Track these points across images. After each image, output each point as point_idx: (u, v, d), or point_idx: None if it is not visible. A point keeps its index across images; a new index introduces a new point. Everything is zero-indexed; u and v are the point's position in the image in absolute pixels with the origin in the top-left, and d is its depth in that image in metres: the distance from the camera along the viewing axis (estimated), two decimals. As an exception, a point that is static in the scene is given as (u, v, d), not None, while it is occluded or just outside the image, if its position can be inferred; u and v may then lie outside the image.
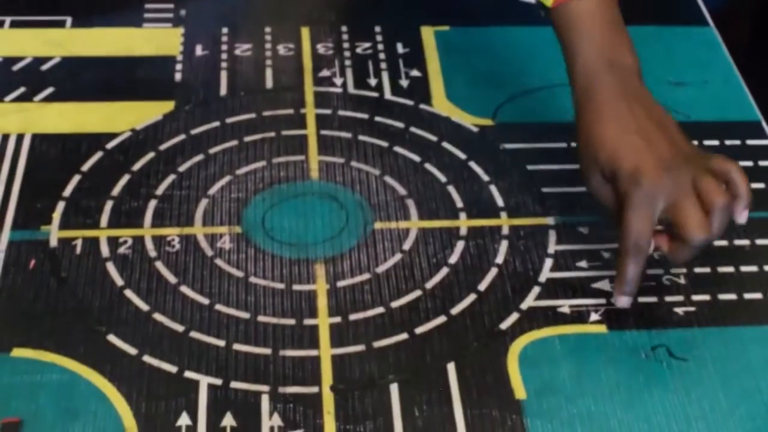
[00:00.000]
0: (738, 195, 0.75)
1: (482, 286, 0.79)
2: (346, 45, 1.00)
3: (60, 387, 0.71)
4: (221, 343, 0.74)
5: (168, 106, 0.92)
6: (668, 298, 0.79)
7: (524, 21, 1.03)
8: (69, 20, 1.00)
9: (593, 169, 0.77)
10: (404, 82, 0.96)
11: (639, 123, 0.76)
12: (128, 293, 0.77)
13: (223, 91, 0.94)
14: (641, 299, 0.78)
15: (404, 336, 0.75)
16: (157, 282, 0.78)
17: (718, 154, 0.78)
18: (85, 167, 0.86)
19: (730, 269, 0.81)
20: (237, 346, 0.74)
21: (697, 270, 0.81)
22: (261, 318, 0.76)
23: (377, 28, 1.01)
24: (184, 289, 0.77)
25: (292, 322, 0.76)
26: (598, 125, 0.77)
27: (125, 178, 0.85)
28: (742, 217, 0.75)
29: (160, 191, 0.85)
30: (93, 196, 0.84)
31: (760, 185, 0.88)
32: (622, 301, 0.76)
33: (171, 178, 0.86)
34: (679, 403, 0.72)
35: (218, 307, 0.76)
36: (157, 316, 0.76)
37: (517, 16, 1.04)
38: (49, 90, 0.93)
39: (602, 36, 0.80)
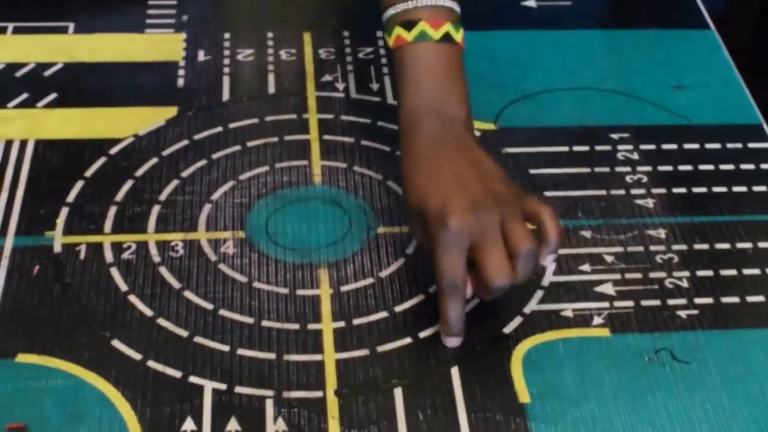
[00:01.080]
0: (545, 240, 0.74)
1: (485, 290, 0.79)
2: (348, 50, 1.00)
3: (65, 392, 0.71)
4: (225, 348, 0.74)
5: (171, 111, 0.92)
6: (671, 302, 0.79)
7: (526, 25, 1.04)
8: (71, 26, 1.01)
9: (409, 213, 0.76)
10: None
11: (453, 167, 0.75)
12: (132, 298, 0.77)
13: (226, 96, 0.94)
14: (644, 303, 0.78)
15: (408, 340, 0.75)
16: (161, 287, 0.78)
17: (532, 197, 0.77)
18: (89, 173, 0.86)
19: (733, 272, 0.81)
20: (241, 351, 0.74)
21: (700, 273, 0.81)
22: (265, 323, 0.76)
23: (379, 33, 1.02)
24: (188, 294, 0.78)
25: (296, 326, 0.76)
26: (412, 170, 0.76)
27: (129, 184, 0.86)
28: (546, 261, 0.74)
29: (163, 197, 0.85)
30: (97, 201, 0.84)
31: (762, 188, 0.88)
32: (451, 342, 0.75)
33: (174, 183, 0.86)
34: (682, 407, 0.72)
35: (222, 312, 0.77)
36: (162, 322, 0.76)
37: (518, 20, 1.04)
38: (52, 96, 0.93)
39: (431, 83, 0.79)
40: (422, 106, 0.79)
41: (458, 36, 0.81)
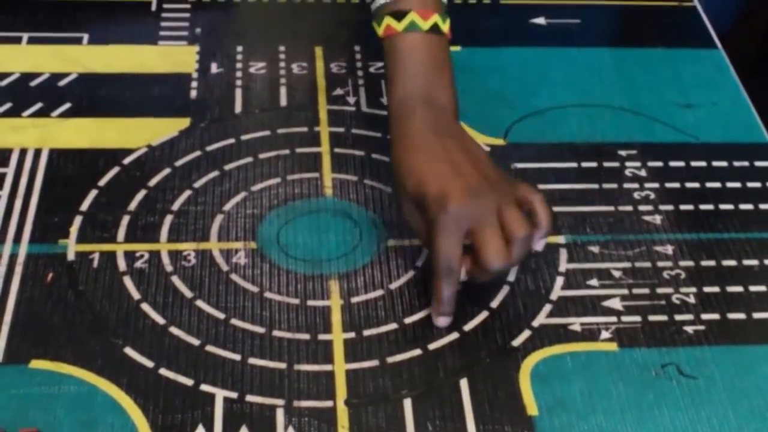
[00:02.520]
0: (537, 224, 0.77)
1: (494, 303, 0.80)
2: (359, 64, 1.01)
3: (77, 398, 0.72)
4: (237, 357, 0.75)
5: (184, 122, 0.93)
6: (678, 317, 0.79)
7: (535, 42, 1.04)
8: (86, 37, 1.02)
9: (404, 198, 0.78)
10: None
11: (448, 153, 0.78)
12: (145, 307, 0.78)
13: (238, 108, 0.95)
14: (651, 318, 0.79)
15: (417, 352, 0.76)
16: (174, 296, 0.79)
17: (525, 183, 0.80)
18: (102, 182, 0.87)
19: (740, 289, 0.82)
20: (252, 360, 0.75)
21: (707, 289, 0.82)
22: (276, 333, 0.77)
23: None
24: (200, 304, 0.78)
25: (306, 337, 0.77)
26: (407, 155, 0.78)
27: (142, 194, 0.86)
28: (539, 245, 0.78)
29: (176, 207, 0.86)
30: (110, 210, 0.85)
31: (768, 206, 0.89)
32: (441, 321, 0.77)
33: (187, 193, 0.87)
34: (688, 421, 0.72)
35: (234, 321, 0.77)
36: (174, 330, 0.76)
37: (528, 36, 1.05)
38: (67, 106, 0.94)
39: (421, 73, 0.81)
40: (414, 95, 0.81)
41: (445, 26, 0.83)
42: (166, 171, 0.89)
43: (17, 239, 0.82)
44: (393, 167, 0.79)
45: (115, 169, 0.88)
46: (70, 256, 0.81)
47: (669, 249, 0.85)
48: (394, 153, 0.80)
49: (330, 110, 0.95)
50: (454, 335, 0.77)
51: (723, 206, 0.89)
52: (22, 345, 0.75)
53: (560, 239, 0.85)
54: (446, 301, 0.76)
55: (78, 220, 0.84)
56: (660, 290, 0.81)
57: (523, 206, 0.77)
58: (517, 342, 0.77)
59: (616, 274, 0.82)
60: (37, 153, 0.89)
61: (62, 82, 0.96)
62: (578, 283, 0.82)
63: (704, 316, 0.80)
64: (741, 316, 0.80)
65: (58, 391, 0.72)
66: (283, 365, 0.75)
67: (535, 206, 0.77)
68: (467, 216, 0.75)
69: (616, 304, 0.80)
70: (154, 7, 1.06)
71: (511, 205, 0.76)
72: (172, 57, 1.00)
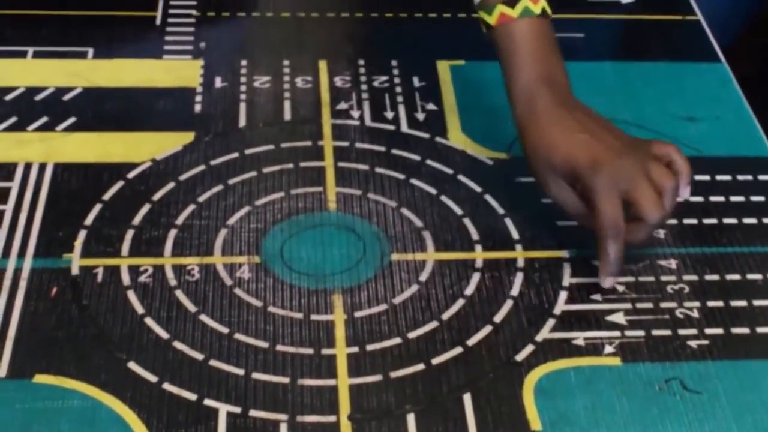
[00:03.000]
0: (679, 172, 0.82)
1: (498, 318, 0.80)
2: (363, 78, 1.01)
3: (81, 413, 0.72)
4: (240, 371, 0.75)
5: (188, 137, 0.93)
6: (682, 332, 0.79)
7: (539, 56, 1.04)
8: (91, 51, 1.02)
9: (550, 176, 0.82)
10: (420, 116, 0.97)
11: (583, 124, 0.82)
12: (148, 321, 0.78)
13: (242, 122, 0.95)
14: (655, 332, 0.79)
15: (421, 366, 0.76)
16: (177, 310, 0.79)
17: (656, 140, 0.84)
18: (107, 196, 0.87)
19: (743, 303, 0.82)
20: (256, 375, 0.75)
21: (711, 304, 0.82)
22: (279, 347, 0.77)
23: (394, 62, 1.03)
24: (204, 318, 0.78)
25: (310, 351, 0.77)
26: (546, 132, 0.82)
27: (146, 208, 0.87)
28: (685, 192, 0.82)
29: (180, 221, 0.86)
30: (114, 225, 0.85)
31: (773, 220, 0.89)
32: (609, 282, 0.81)
33: (191, 208, 0.87)
34: (692, 436, 0.72)
35: (237, 336, 0.77)
36: (177, 345, 0.77)
37: (531, 51, 1.05)
38: (71, 120, 0.94)
39: (541, 56, 0.86)
40: (536, 77, 0.85)
41: (549, 9, 0.87)
42: (171, 185, 0.89)
43: (22, 253, 0.82)
44: (529, 150, 0.83)
45: (120, 184, 0.89)
46: (75, 270, 0.81)
47: (673, 263, 0.85)
48: (528, 135, 0.83)
49: (334, 124, 0.96)
50: (458, 350, 0.77)
51: (727, 220, 0.89)
52: (26, 359, 0.75)
53: (564, 254, 0.85)
54: (615, 261, 0.80)
55: (82, 235, 0.84)
56: (664, 305, 0.81)
57: (662, 159, 0.81)
58: (520, 357, 0.77)
59: (620, 288, 0.82)
60: (42, 167, 0.89)
61: (67, 97, 0.97)
62: (582, 297, 0.82)
63: (708, 331, 0.80)
64: (745, 330, 0.80)
65: (62, 406, 0.72)
66: (286, 380, 0.75)
67: (672, 157, 0.82)
68: (621, 177, 0.79)
69: (619, 318, 0.80)
70: (158, 22, 1.06)
71: (653, 161, 0.81)
72: (177, 71, 1.00)
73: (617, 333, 0.79)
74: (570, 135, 0.82)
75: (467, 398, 0.74)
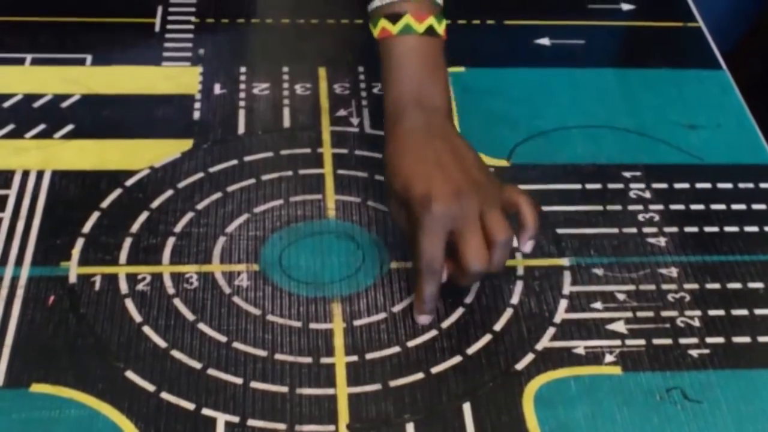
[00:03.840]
0: (524, 226, 0.79)
1: (498, 327, 0.79)
2: (362, 85, 1.01)
3: (78, 422, 0.71)
4: (239, 380, 0.75)
5: (186, 144, 0.93)
6: (683, 341, 0.79)
7: (540, 63, 1.04)
8: (89, 58, 1.02)
9: (391, 197, 0.81)
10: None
11: (436, 154, 0.80)
12: (146, 330, 0.78)
13: (241, 129, 0.95)
14: (656, 341, 0.79)
15: (420, 375, 0.76)
16: (175, 319, 0.79)
17: (511, 186, 0.81)
18: (105, 204, 0.87)
19: (744, 312, 0.81)
20: (254, 384, 0.74)
21: (712, 313, 0.81)
22: (278, 356, 0.76)
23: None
24: (202, 327, 0.78)
25: (309, 360, 0.76)
26: (396, 156, 0.81)
27: (144, 215, 0.86)
28: (526, 247, 0.79)
29: (178, 229, 0.85)
30: (112, 232, 0.85)
31: (774, 228, 0.89)
32: (423, 319, 0.79)
33: (189, 215, 0.87)
34: (693, 446, 0.72)
35: (236, 344, 0.77)
36: (175, 353, 0.76)
37: (532, 57, 1.05)
38: (69, 127, 0.94)
39: (415, 75, 0.83)
40: (406, 96, 0.83)
41: (441, 28, 0.85)
42: (169, 193, 0.88)
43: (19, 262, 0.82)
44: (384, 167, 0.82)
45: (118, 191, 0.88)
46: (72, 278, 0.81)
47: (674, 271, 0.84)
48: (385, 153, 0.82)
49: (333, 131, 0.95)
50: (457, 358, 0.77)
51: (728, 228, 0.88)
52: (23, 368, 0.74)
53: (564, 262, 0.85)
54: (428, 299, 0.78)
55: (80, 243, 0.84)
56: (664, 313, 0.81)
57: (510, 209, 0.78)
58: (520, 365, 0.77)
59: (621, 297, 0.82)
60: (40, 175, 0.89)
61: (65, 104, 0.96)
62: (582, 306, 0.81)
63: (709, 340, 0.79)
64: (746, 339, 0.79)
65: (59, 416, 0.72)
66: (285, 389, 0.74)
67: (521, 207, 0.79)
68: (450, 217, 0.76)
69: (620, 327, 0.80)
70: (157, 29, 1.06)
71: (494, 209, 0.77)
72: (176, 78, 1.00)
73: (618, 342, 0.79)
74: (415, 164, 0.79)
75: (467, 407, 0.74)
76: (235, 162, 0.92)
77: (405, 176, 0.79)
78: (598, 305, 0.81)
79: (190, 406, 0.73)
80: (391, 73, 0.84)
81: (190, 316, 0.79)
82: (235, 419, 0.72)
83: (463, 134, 0.95)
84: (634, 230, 0.87)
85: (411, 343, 0.78)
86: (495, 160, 0.93)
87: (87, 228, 0.85)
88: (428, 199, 0.76)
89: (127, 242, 0.84)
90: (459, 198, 0.77)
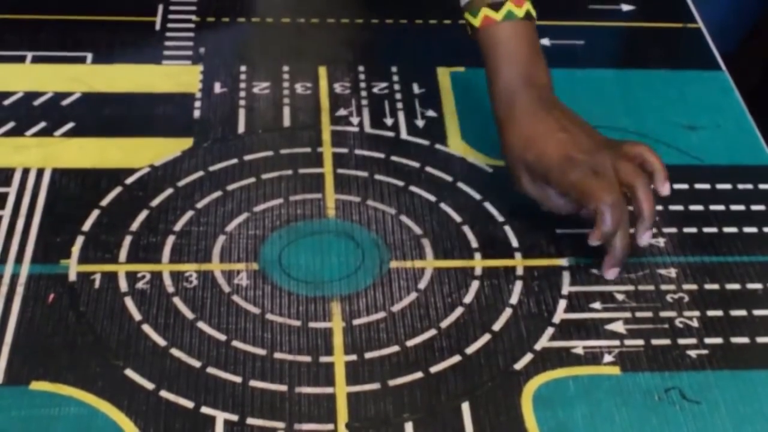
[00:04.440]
0: (654, 170, 0.83)
1: (497, 326, 0.79)
2: (363, 85, 1.01)
3: (77, 420, 0.71)
4: (238, 379, 0.75)
5: (187, 142, 0.93)
6: (681, 341, 0.79)
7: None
8: (90, 56, 1.02)
9: (521, 172, 0.85)
10: (420, 122, 0.97)
11: (559, 123, 0.85)
12: (146, 328, 0.78)
13: (241, 128, 0.95)
14: (654, 342, 0.79)
15: (419, 375, 0.76)
16: (175, 317, 0.79)
17: (628, 140, 0.86)
18: (105, 202, 0.87)
19: (743, 313, 0.82)
20: (253, 383, 0.74)
21: (711, 313, 0.81)
22: (277, 355, 0.76)
23: (394, 69, 1.03)
24: (202, 325, 0.78)
25: (308, 359, 0.76)
26: (523, 130, 0.85)
27: (144, 214, 0.86)
28: (664, 188, 0.83)
29: (178, 227, 0.85)
30: (112, 231, 0.85)
31: (773, 229, 0.89)
32: (612, 274, 0.83)
33: (189, 214, 0.87)
34: (692, 446, 0.72)
35: (235, 343, 0.77)
36: (175, 352, 0.76)
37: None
38: (70, 125, 0.94)
39: (522, 57, 0.88)
40: (517, 79, 0.87)
41: (534, 11, 0.90)
42: (169, 191, 0.89)
43: (19, 259, 0.82)
44: (506, 147, 0.86)
45: (118, 189, 0.88)
46: (72, 276, 0.81)
47: (672, 272, 0.84)
48: (506, 132, 0.86)
49: (333, 131, 0.95)
50: (456, 358, 0.77)
51: (727, 229, 0.89)
52: (22, 366, 0.74)
53: (563, 262, 0.85)
54: (621, 248, 0.81)
55: (80, 241, 0.84)
56: (663, 314, 0.81)
57: (634, 159, 0.83)
58: (519, 365, 0.77)
59: (620, 297, 0.82)
60: (40, 173, 0.89)
61: (65, 102, 0.96)
62: (581, 306, 0.81)
63: (708, 340, 0.79)
64: (744, 340, 0.80)
65: (58, 413, 0.72)
66: (284, 388, 0.74)
67: (645, 157, 0.83)
68: (591, 169, 0.81)
69: (619, 327, 0.80)
70: (158, 27, 1.06)
71: (623, 160, 0.82)
72: (176, 77, 1.00)
73: (616, 342, 0.79)
74: (545, 133, 0.84)
75: (466, 407, 0.74)
76: (235, 161, 0.92)
77: (540, 147, 0.83)
78: (597, 305, 0.81)
79: (190, 404, 0.73)
80: (498, 59, 0.88)
81: (189, 315, 0.79)
82: (234, 418, 0.72)
83: (464, 134, 0.96)
84: (632, 230, 0.87)
85: (410, 343, 0.78)
86: (494, 159, 0.93)
87: (87, 226, 0.85)
88: (570, 161, 0.82)
89: (127, 240, 0.84)
90: (593, 155, 0.82)
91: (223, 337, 0.77)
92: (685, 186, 0.92)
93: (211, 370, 0.75)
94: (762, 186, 0.93)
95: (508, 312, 0.81)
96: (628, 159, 0.83)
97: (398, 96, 1.00)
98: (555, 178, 0.82)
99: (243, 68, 1.02)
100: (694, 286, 0.83)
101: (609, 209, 0.80)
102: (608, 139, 0.86)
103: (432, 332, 0.79)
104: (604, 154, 0.82)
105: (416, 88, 1.00)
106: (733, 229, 0.89)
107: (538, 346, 0.78)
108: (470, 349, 0.78)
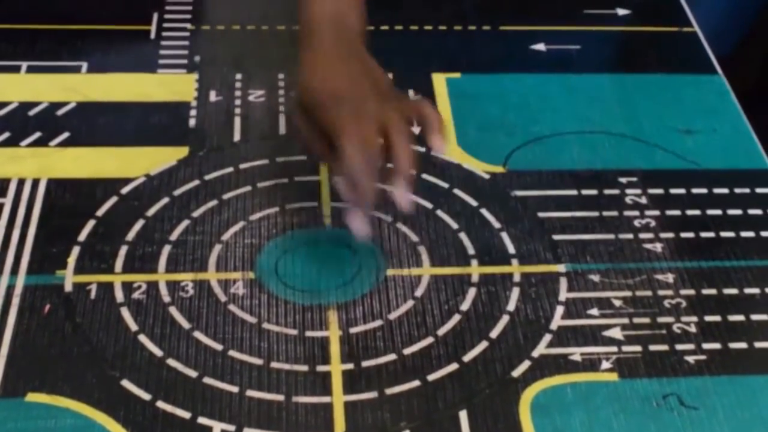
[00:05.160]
0: (426, 123, 0.81)
1: (494, 334, 0.79)
2: (358, 92, 1.00)
3: (74, 432, 0.71)
4: (234, 389, 0.74)
5: (182, 151, 0.93)
6: (679, 347, 0.79)
7: (535, 69, 1.04)
8: (85, 66, 1.02)
9: (302, 105, 0.83)
10: (416, 129, 0.97)
11: (349, 66, 0.83)
12: (142, 338, 0.77)
13: (237, 136, 0.95)
14: (652, 348, 0.79)
15: (416, 383, 0.76)
16: (171, 327, 0.78)
17: (416, 98, 0.88)
18: (100, 212, 0.87)
19: (741, 318, 0.81)
20: (250, 393, 0.74)
21: (708, 319, 0.81)
22: (274, 364, 0.76)
23: (389, 75, 1.02)
24: (198, 335, 0.78)
25: (304, 368, 0.76)
26: (316, 62, 0.83)
27: (140, 224, 0.86)
28: (436, 140, 0.81)
29: (174, 236, 0.85)
30: (108, 241, 0.84)
31: (770, 234, 0.89)
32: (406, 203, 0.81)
33: (185, 223, 0.87)
34: (690, 453, 0.72)
35: (231, 353, 0.77)
36: (171, 362, 0.76)
37: (528, 63, 1.05)
38: (65, 135, 0.94)
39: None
40: (324, 14, 0.85)
41: None
42: (165, 200, 0.88)
43: (14, 270, 0.82)
44: (299, 83, 0.84)
45: (113, 199, 0.88)
46: (68, 287, 0.81)
47: (670, 277, 0.84)
48: (303, 62, 0.84)
49: (329, 138, 0.95)
50: (454, 366, 0.77)
51: (724, 234, 0.88)
52: (18, 378, 0.74)
53: (560, 268, 0.84)
54: (369, 190, 0.79)
55: (76, 251, 0.84)
56: (661, 319, 0.81)
57: (406, 113, 0.81)
58: (516, 372, 0.77)
59: (617, 303, 0.82)
60: (35, 183, 0.89)
61: (61, 111, 0.96)
62: (578, 312, 0.81)
63: (705, 346, 0.79)
64: (743, 345, 0.79)
65: (55, 425, 0.72)
66: (281, 397, 0.74)
67: (421, 110, 0.81)
68: (359, 112, 0.79)
69: (616, 333, 0.80)
70: (153, 35, 1.06)
71: (393, 111, 0.80)
72: (171, 85, 1.00)
73: (614, 348, 0.78)
74: (333, 70, 0.82)
75: (463, 415, 0.73)
76: (230, 169, 0.92)
77: (319, 81, 0.82)
78: (594, 312, 0.81)
79: (186, 414, 0.73)
80: None
81: (185, 325, 0.79)
82: (231, 428, 0.72)
83: (459, 140, 0.96)
84: (630, 236, 0.87)
85: (407, 351, 0.78)
86: (490, 166, 0.93)
87: (83, 236, 0.85)
88: (339, 97, 0.80)
89: (123, 250, 0.84)
90: (365, 100, 0.80)
91: (219, 347, 0.77)
92: (682, 191, 0.92)
93: (207, 380, 0.75)
94: (759, 190, 0.93)
95: (505, 319, 0.80)
96: (398, 111, 0.81)
97: (394, 103, 0.99)
98: (320, 113, 0.81)
99: (238, 76, 1.02)
100: (691, 292, 0.83)
101: (352, 148, 0.78)
102: (398, 94, 0.85)
103: (429, 340, 0.78)
104: (375, 101, 0.80)
105: (412, 94, 1.00)
106: (730, 234, 0.88)
107: (535, 353, 0.78)
108: (467, 357, 0.77)
